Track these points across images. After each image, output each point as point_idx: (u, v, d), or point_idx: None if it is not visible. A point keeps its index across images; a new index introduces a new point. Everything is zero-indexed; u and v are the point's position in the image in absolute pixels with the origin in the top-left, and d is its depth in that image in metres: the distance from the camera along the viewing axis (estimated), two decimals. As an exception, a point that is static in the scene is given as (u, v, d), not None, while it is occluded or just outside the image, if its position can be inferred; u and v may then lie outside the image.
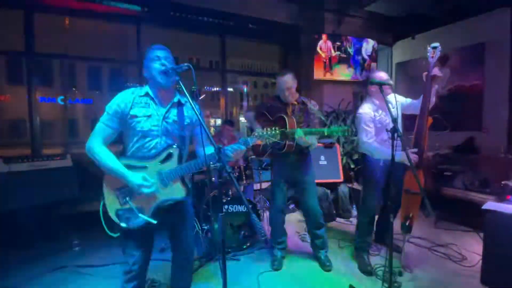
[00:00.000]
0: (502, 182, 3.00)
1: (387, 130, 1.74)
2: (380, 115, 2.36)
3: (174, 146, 1.45)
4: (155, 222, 1.39)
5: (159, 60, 1.41)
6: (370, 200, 2.47)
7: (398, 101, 2.28)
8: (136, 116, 1.42)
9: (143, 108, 1.45)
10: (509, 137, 4.00)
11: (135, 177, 1.37)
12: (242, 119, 27.48)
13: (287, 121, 2.30)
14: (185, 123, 1.52)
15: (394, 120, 1.71)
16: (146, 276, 1.64)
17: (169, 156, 1.43)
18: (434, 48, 2.15)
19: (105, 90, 22.64)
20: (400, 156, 2.02)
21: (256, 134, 1.46)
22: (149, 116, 1.44)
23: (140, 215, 1.38)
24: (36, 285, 2.21)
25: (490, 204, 2.19)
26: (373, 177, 2.43)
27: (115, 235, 1.44)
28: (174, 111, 1.51)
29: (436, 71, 2.15)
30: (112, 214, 1.41)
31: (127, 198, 1.40)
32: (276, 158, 2.51)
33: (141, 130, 1.42)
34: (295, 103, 2.46)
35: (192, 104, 1.35)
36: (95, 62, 21.15)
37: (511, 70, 3.99)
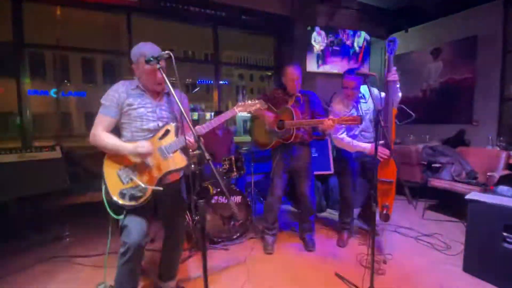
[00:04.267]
0: (488, 174, 3.08)
1: (370, 121, 1.77)
2: (351, 109, 2.42)
3: (171, 123, 1.56)
4: (161, 188, 1.47)
5: (155, 60, 1.41)
6: (345, 191, 2.66)
7: (373, 94, 2.30)
8: (132, 104, 1.51)
9: (138, 97, 1.54)
10: (499, 130, 4.06)
11: (131, 145, 1.47)
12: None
13: (293, 112, 2.37)
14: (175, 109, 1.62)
15: (378, 111, 1.73)
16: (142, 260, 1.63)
17: (167, 132, 1.53)
18: (392, 41, 2.04)
19: (99, 83, 22.29)
20: (369, 148, 2.21)
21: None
22: (144, 105, 1.54)
23: (147, 187, 1.45)
24: (27, 275, 2.21)
25: (474, 194, 2.24)
26: (346, 169, 2.60)
27: (120, 217, 1.50)
28: (165, 99, 1.63)
29: (392, 76, 2.09)
30: (115, 196, 1.45)
31: (131, 176, 1.47)
32: (279, 149, 2.56)
33: (138, 115, 1.52)
34: (299, 94, 2.56)
35: (172, 93, 1.43)
36: (89, 54, 20.83)
37: (503, 64, 4.03)
